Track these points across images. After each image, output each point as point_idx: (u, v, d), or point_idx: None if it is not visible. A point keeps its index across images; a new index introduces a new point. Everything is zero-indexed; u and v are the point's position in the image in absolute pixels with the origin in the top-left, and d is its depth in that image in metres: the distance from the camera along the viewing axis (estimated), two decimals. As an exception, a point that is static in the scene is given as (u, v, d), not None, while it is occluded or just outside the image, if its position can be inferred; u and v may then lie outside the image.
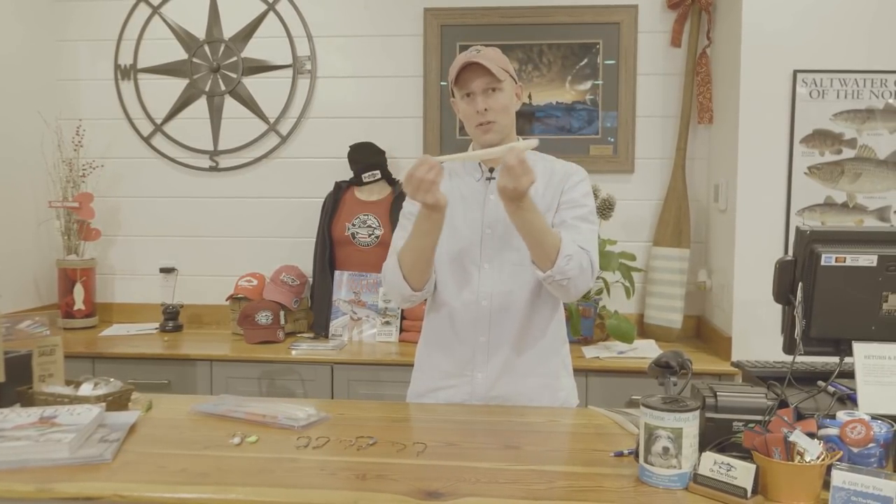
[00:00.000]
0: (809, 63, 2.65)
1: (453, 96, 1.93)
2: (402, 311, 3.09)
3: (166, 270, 3.43)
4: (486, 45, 1.92)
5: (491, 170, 1.94)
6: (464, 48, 3.27)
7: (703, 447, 1.35)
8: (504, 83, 1.85)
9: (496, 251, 1.90)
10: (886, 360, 1.49)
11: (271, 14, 3.36)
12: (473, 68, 1.83)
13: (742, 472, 1.26)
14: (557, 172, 1.95)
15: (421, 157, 1.70)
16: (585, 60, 3.22)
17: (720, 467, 1.28)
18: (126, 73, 3.43)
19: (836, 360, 1.59)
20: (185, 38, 3.40)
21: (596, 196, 2.97)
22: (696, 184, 3.21)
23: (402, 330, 3.08)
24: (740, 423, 1.38)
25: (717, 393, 1.42)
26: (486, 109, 1.84)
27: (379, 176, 3.19)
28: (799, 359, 1.56)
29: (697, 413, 1.34)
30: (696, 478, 1.31)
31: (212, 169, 3.43)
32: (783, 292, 1.61)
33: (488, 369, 1.91)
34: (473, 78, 1.84)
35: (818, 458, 1.25)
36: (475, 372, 1.92)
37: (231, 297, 3.20)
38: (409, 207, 1.99)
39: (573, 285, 1.78)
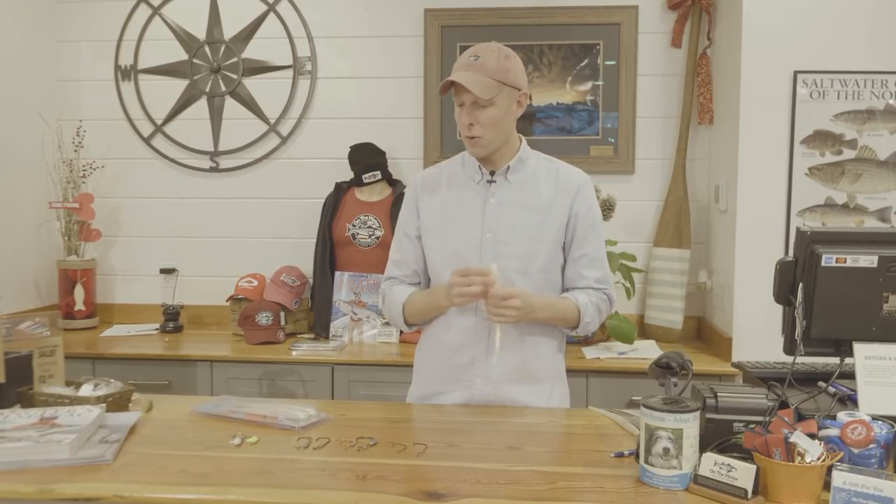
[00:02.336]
0: (810, 64, 2.65)
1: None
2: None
3: (167, 271, 3.43)
4: (489, 46, 1.84)
5: (492, 173, 1.92)
6: (464, 49, 3.28)
7: (703, 448, 1.35)
8: (497, 97, 1.79)
9: (496, 256, 1.87)
10: (887, 361, 1.49)
11: (272, 15, 3.36)
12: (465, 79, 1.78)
13: (742, 473, 1.26)
14: (562, 176, 1.93)
15: (467, 268, 1.78)
16: (586, 61, 3.22)
17: (720, 468, 1.28)
18: (126, 73, 3.43)
19: (836, 360, 1.59)
20: (185, 38, 3.40)
21: (596, 197, 2.97)
22: (696, 184, 3.21)
23: (402, 331, 3.08)
24: (741, 424, 1.38)
25: (718, 394, 1.42)
26: (471, 125, 1.81)
27: (379, 176, 3.19)
28: (799, 359, 1.56)
29: (698, 414, 1.34)
30: (697, 478, 1.31)
31: (212, 170, 3.43)
32: (784, 293, 1.60)
33: (487, 374, 1.91)
34: (464, 89, 1.79)
35: (819, 458, 1.25)
36: (474, 377, 1.91)
37: (231, 298, 3.20)
38: (405, 218, 1.98)
39: (594, 329, 1.98)
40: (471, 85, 1.76)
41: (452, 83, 1.81)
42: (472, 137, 1.84)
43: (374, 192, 3.23)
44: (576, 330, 1.93)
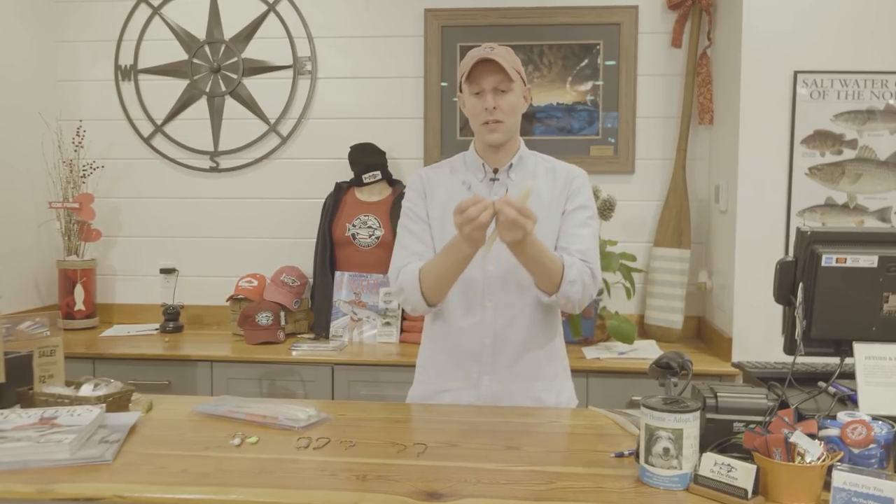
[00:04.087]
0: (810, 64, 2.65)
1: (460, 91, 1.92)
2: (403, 312, 3.09)
3: (167, 271, 3.43)
4: (494, 44, 1.89)
5: (495, 171, 1.93)
6: (464, 49, 3.29)
7: (703, 448, 1.34)
8: (514, 84, 1.85)
9: (501, 255, 1.86)
10: (887, 361, 1.49)
11: (272, 15, 3.36)
12: (486, 65, 1.82)
13: (742, 473, 1.26)
14: (560, 174, 1.95)
15: (475, 195, 1.64)
16: (586, 61, 3.22)
17: (721, 468, 1.28)
18: (126, 73, 3.43)
19: (836, 360, 1.59)
20: (185, 38, 3.40)
21: (596, 197, 2.97)
22: (696, 184, 3.21)
23: (402, 331, 3.08)
24: (741, 424, 1.38)
25: (718, 394, 1.42)
26: (494, 108, 1.83)
27: (379, 177, 3.20)
28: (799, 359, 1.56)
29: (698, 414, 1.34)
30: (697, 478, 1.31)
31: (212, 170, 3.43)
32: (784, 293, 1.60)
33: (494, 372, 1.91)
34: (486, 75, 1.82)
35: (819, 458, 1.25)
36: (481, 375, 1.92)
37: (231, 298, 3.20)
38: (415, 204, 1.96)
39: (577, 303, 1.84)
40: (503, 60, 1.80)
41: (471, 71, 1.82)
42: (494, 122, 1.84)
43: (375, 193, 3.23)
44: (558, 292, 1.79)
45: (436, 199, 1.95)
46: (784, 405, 1.43)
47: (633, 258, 3.04)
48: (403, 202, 2.00)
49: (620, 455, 1.52)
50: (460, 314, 1.92)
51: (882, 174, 2.67)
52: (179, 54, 3.41)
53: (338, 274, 3.18)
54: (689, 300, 3.15)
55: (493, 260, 1.89)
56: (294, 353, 2.88)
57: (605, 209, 2.99)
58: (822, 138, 2.67)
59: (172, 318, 3.27)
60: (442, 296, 1.87)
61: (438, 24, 3.26)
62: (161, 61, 3.41)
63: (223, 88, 3.40)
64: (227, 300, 3.22)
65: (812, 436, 1.27)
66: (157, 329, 3.27)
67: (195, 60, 3.40)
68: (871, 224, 2.68)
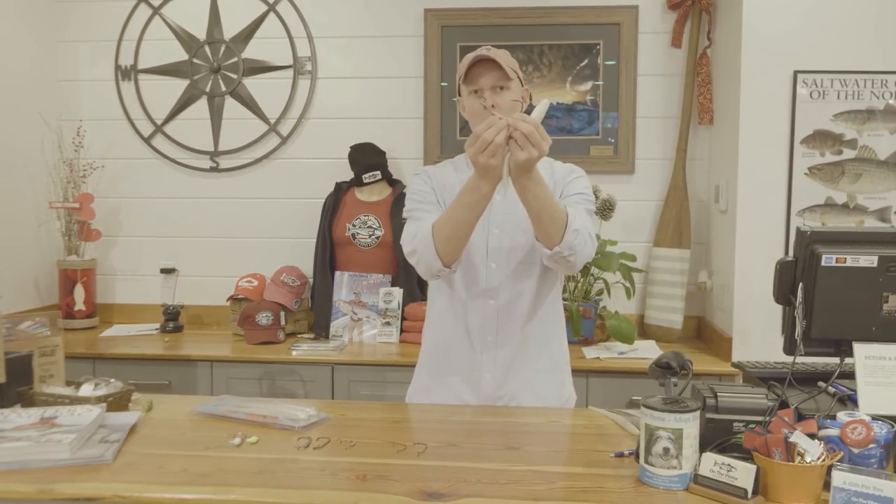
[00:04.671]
0: (810, 64, 2.65)
1: (459, 94, 1.93)
2: (403, 311, 3.09)
3: (167, 271, 3.43)
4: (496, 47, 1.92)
5: None
6: (464, 49, 3.29)
7: (703, 448, 1.35)
8: (512, 82, 1.86)
9: (503, 250, 1.90)
10: (887, 361, 1.49)
11: (272, 15, 3.36)
12: (484, 65, 1.83)
13: (742, 473, 1.26)
14: (558, 172, 1.96)
15: (490, 118, 1.60)
16: (586, 61, 3.22)
17: (721, 468, 1.28)
18: (126, 73, 3.43)
19: (836, 360, 1.59)
20: (185, 38, 3.40)
21: (596, 196, 2.97)
22: (696, 184, 3.21)
23: (402, 330, 3.08)
24: (741, 424, 1.38)
25: (718, 393, 1.42)
26: (493, 105, 1.83)
27: (379, 176, 3.20)
28: (799, 359, 1.56)
29: (698, 414, 1.34)
30: (697, 478, 1.31)
31: (212, 170, 3.43)
32: (784, 293, 1.60)
33: (496, 368, 1.92)
34: (483, 73, 1.84)
35: (819, 458, 1.25)
36: (483, 371, 1.93)
37: (231, 298, 3.20)
38: (424, 190, 1.95)
39: (578, 259, 1.77)
40: (500, 58, 1.82)
41: (468, 71, 1.84)
42: None
43: (375, 192, 3.23)
44: (561, 243, 1.72)
45: (446, 191, 1.95)
46: (784, 405, 1.43)
47: (633, 258, 3.04)
48: (409, 193, 1.98)
49: (620, 455, 1.52)
50: (468, 303, 1.92)
51: (882, 174, 2.67)
52: (179, 54, 3.41)
53: (338, 274, 3.18)
54: (689, 300, 3.15)
55: (496, 256, 1.89)
56: (294, 353, 2.88)
57: (605, 209, 2.99)
58: (821, 138, 2.67)
59: (172, 318, 3.27)
60: (457, 252, 1.78)
61: (438, 24, 3.26)
62: (161, 61, 3.41)
63: (223, 88, 3.40)
64: (227, 300, 3.22)
65: (812, 436, 1.27)
66: (157, 329, 3.27)
67: (195, 60, 3.40)
68: (871, 224, 2.68)
